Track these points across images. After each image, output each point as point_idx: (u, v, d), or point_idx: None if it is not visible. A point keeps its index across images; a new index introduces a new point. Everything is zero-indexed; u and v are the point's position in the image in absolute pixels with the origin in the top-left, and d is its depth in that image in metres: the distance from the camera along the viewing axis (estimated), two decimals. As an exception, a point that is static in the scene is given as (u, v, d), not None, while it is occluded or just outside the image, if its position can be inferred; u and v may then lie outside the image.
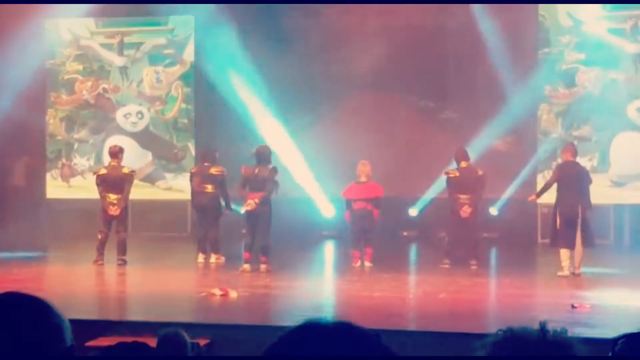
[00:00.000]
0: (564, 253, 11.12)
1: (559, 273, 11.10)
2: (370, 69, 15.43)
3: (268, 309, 9.16)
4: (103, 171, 12.65)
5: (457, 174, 12.27)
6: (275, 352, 1.52)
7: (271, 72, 15.44)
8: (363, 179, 12.48)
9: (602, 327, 7.61)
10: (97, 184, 12.55)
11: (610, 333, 2.02)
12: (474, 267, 11.93)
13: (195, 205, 13.16)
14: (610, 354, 2.00)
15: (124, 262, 12.30)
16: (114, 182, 12.42)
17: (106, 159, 14.77)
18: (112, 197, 12.37)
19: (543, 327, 1.75)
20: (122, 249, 12.35)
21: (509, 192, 14.87)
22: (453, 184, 12.28)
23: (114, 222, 12.42)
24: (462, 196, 12.15)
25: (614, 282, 10.97)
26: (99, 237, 12.36)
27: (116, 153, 12.68)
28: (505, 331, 1.77)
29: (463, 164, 12.35)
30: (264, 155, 12.02)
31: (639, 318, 7.77)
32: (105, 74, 17.31)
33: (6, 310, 1.79)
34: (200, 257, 12.81)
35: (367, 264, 12.33)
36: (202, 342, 6.65)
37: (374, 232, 12.52)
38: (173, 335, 4.88)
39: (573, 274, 11.05)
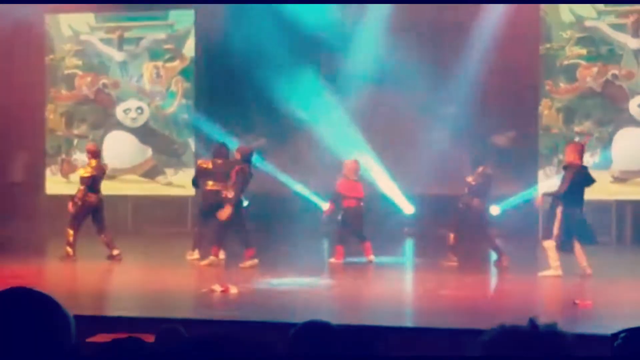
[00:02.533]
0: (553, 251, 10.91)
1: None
2: (372, 64, 15.40)
3: (269, 304, 9.12)
4: (91, 172, 12.39)
5: (480, 180, 12.06)
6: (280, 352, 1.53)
7: (272, 67, 15.38)
8: (354, 177, 12.51)
9: (603, 323, 7.58)
10: (86, 183, 12.30)
11: (611, 329, 2.01)
12: (506, 263, 11.78)
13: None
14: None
15: (120, 255, 12.35)
16: (101, 180, 12.50)
17: (106, 155, 14.78)
18: (95, 193, 12.37)
19: (533, 322, 1.82)
20: (114, 243, 12.39)
21: (510, 188, 14.80)
22: (475, 188, 12.05)
23: (93, 218, 12.39)
24: (477, 198, 12.02)
25: (616, 278, 10.94)
26: (72, 232, 12.26)
27: (99, 152, 12.91)
28: (498, 328, 1.83)
29: (480, 168, 12.15)
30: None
31: (640, 314, 7.74)
32: (105, 69, 17.29)
33: (15, 305, 1.77)
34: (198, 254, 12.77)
35: (371, 257, 12.30)
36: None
37: (364, 228, 12.51)
38: (172, 332, 4.86)
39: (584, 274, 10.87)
